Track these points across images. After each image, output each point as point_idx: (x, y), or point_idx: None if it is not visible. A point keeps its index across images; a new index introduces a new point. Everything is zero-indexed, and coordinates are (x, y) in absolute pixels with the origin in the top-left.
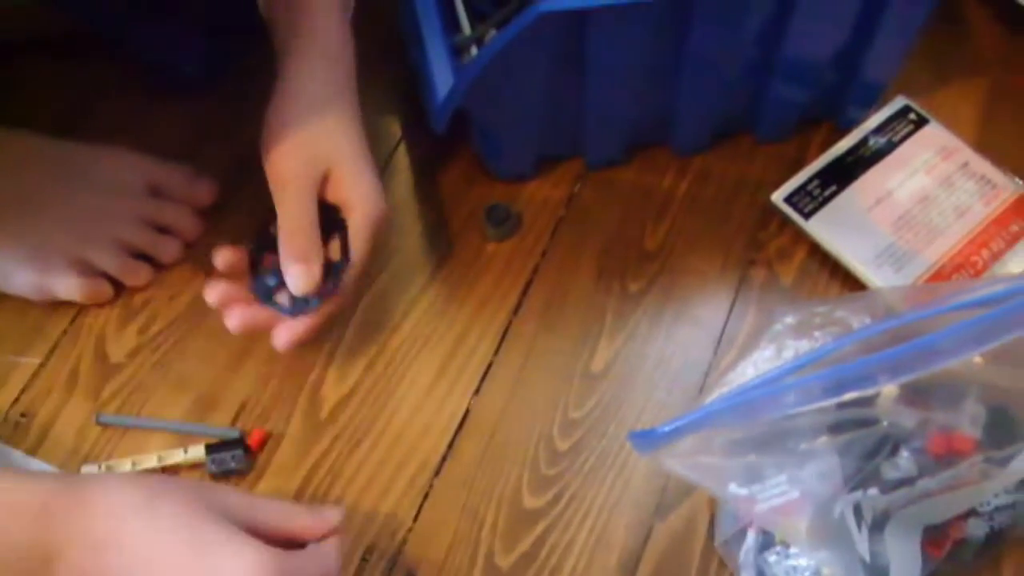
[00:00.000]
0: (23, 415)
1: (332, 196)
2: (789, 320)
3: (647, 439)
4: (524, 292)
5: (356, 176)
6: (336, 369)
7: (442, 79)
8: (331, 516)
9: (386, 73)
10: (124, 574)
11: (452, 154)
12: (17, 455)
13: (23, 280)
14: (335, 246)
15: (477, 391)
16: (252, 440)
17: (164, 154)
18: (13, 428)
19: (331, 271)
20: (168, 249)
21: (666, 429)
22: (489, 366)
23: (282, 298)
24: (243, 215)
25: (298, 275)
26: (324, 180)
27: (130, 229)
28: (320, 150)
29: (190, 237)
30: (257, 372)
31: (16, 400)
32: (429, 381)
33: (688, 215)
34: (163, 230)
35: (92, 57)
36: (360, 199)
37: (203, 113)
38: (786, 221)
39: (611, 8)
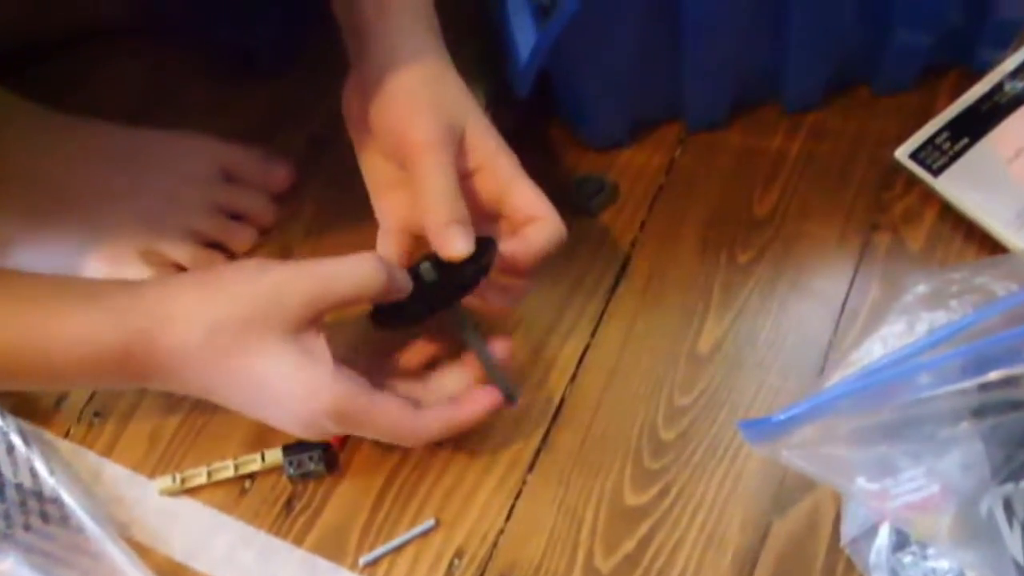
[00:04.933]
0: (96, 414)
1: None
2: (921, 289)
3: (760, 428)
4: (622, 268)
5: (487, 133)
6: None
7: (524, 38)
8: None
9: (468, 45)
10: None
11: (540, 125)
12: (91, 457)
13: (92, 271)
14: None
15: (573, 378)
16: (333, 438)
17: (238, 138)
18: (87, 428)
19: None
20: (241, 237)
21: (781, 417)
22: (585, 350)
23: None
24: (318, 199)
25: (458, 235)
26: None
27: (202, 217)
28: (454, 114)
29: (265, 224)
30: None
31: (90, 399)
32: (521, 368)
33: (802, 178)
34: (237, 217)
35: (164, 44)
36: (495, 154)
37: (277, 96)
38: (913, 180)
39: None
